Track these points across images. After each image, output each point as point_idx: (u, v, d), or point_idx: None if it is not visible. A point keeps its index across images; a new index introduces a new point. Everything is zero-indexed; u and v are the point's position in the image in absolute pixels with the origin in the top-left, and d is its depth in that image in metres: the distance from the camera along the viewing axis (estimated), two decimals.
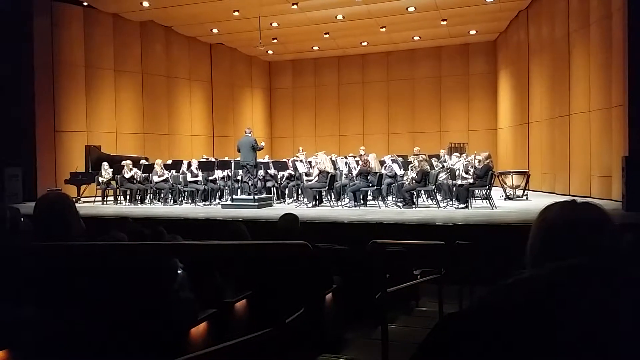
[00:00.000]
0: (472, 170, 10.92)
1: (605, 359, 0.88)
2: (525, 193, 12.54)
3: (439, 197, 11.49)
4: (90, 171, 13.84)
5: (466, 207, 10.44)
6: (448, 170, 11.97)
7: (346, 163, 12.55)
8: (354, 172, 11.66)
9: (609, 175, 10.90)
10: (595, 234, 1.12)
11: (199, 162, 13.06)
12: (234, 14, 15.34)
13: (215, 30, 17.35)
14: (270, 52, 19.85)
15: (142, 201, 13.24)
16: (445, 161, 13.28)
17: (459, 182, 11.01)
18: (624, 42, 9.82)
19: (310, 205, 11.61)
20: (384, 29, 16.95)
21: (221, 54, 19.39)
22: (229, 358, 2.10)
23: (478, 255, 5.92)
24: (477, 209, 10.37)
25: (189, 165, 13.00)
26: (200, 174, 12.75)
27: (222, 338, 2.55)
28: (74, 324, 2.16)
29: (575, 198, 1.24)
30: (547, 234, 1.16)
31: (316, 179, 11.63)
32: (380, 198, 11.50)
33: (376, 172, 11.41)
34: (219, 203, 12.44)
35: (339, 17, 15.85)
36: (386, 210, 10.62)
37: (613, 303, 0.92)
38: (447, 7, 14.99)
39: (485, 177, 10.50)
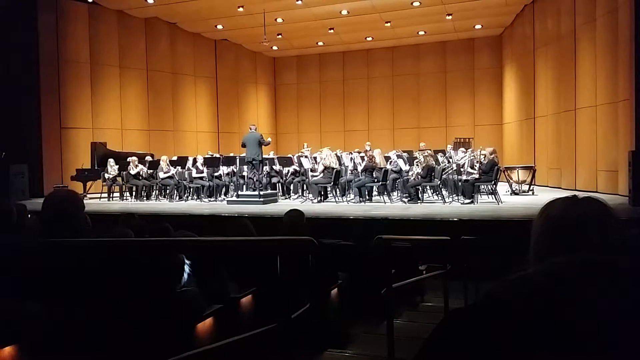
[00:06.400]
0: (477, 165, 10.90)
1: (609, 354, 0.88)
2: (531, 188, 12.49)
3: (444, 193, 11.48)
4: (96, 168, 13.89)
5: (472, 202, 10.42)
6: (453, 166, 11.95)
7: (351, 159, 12.54)
8: (359, 168, 11.65)
9: (615, 170, 10.86)
10: (598, 228, 1.12)
11: (204, 158, 13.07)
12: (238, 9, 15.32)
13: (219, 27, 17.34)
14: (274, 47, 19.83)
15: (148, 197, 13.28)
16: (450, 156, 13.24)
17: (464, 177, 10.99)
18: (630, 36, 9.76)
19: (316, 201, 11.62)
20: (388, 24, 16.89)
21: (226, 50, 19.39)
22: (235, 353, 2.11)
23: (483, 251, 5.91)
24: (483, 204, 10.35)
25: (194, 161, 13.03)
26: (205, 170, 12.77)
27: (228, 333, 2.56)
28: (81, 319, 2.17)
29: (577, 193, 1.24)
30: (550, 229, 1.16)
31: (321, 174, 11.63)
32: (385, 193, 11.49)
33: (381, 168, 11.41)
34: (224, 199, 12.47)
35: (344, 12, 15.81)
36: (391, 206, 10.62)
37: (617, 298, 0.92)
38: (452, 2, 14.92)
39: (491, 172, 10.47)
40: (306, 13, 15.85)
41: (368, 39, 18.92)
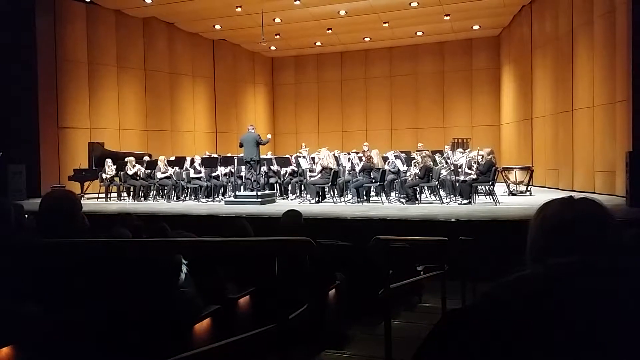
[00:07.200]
0: (475, 166, 10.91)
1: (607, 354, 0.89)
2: (528, 189, 12.51)
3: (442, 193, 11.49)
4: (93, 168, 13.87)
5: (469, 202, 10.43)
6: (451, 166, 11.96)
7: (349, 159, 12.54)
8: (357, 168, 11.65)
9: (613, 171, 10.88)
10: (595, 229, 1.12)
11: (201, 158, 13.06)
12: (236, 9, 15.32)
13: (217, 26, 17.34)
14: (272, 48, 19.83)
15: (146, 198, 13.26)
16: (448, 157, 13.25)
17: (462, 177, 11.00)
18: (628, 37, 9.78)
19: (313, 201, 11.62)
20: (386, 25, 16.91)
21: (224, 50, 19.38)
22: (233, 354, 2.11)
23: (481, 251, 5.91)
24: (480, 205, 10.36)
25: (192, 161, 13.01)
26: (203, 170, 12.76)
27: (226, 334, 2.56)
28: (78, 320, 2.17)
29: (574, 194, 1.24)
30: (547, 230, 1.16)
31: (319, 175, 11.63)
32: (383, 194, 11.49)
33: (379, 168, 11.41)
34: (222, 199, 12.46)
35: (342, 12, 15.82)
36: (389, 206, 10.62)
37: (614, 298, 0.92)
38: (450, 2, 14.95)
39: (489, 172, 10.48)
40: (304, 13, 15.86)
41: (366, 39, 18.93)
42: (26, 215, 3.80)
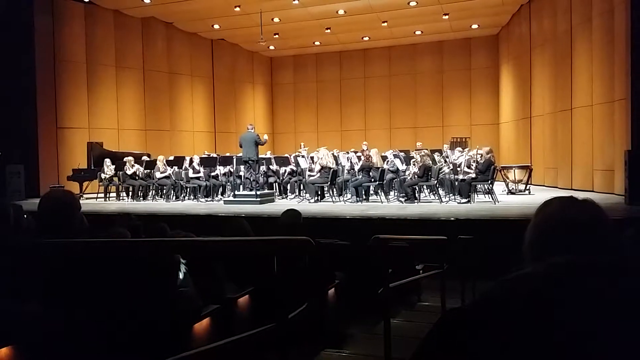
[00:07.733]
0: (474, 164, 10.91)
1: (606, 354, 0.89)
2: (527, 187, 12.51)
3: (441, 192, 11.49)
4: (92, 168, 13.85)
5: (468, 201, 10.43)
6: (450, 165, 11.96)
7: (348, 158, 12.54)
8: (356, 168, 11.65)
9: (612, 170, 10.88)
10: (594, 228, 1.13)
11: (200, 158, 13.05)
12: (235, 9, 15.31)
13: (216, 26, 17.33)
14: (271, 47, 19.82)
15: (145, 197, 13.25)
16: (447, 156, 13.26)
17: (461, 176, 11.00)
18: (627, 35, 9.79)
19: (313, 200, 11.61)
20: (385, 24, 16.90)
21: (222, 50, 19.37)
22: (232, 353, 2.11)
23: (480, 250, 5.92)
24: (479, 204, 10.37)
25: (191, 161, 13.00)
26: (202, 170, 12.75)
27: (225, 334, 2.55)
28: (78, 320, 2.17)
29: (573, 193, 1.25)
30: (546, 230, 1.16)
31: (318, 174, 11.63)
32: (382, 193, 11.49)
33: (378, 167, 11.41)
34: (221, 199, 12.45)
35: (340, 11, 15.81)
36: (388, 206, 10.62)
37: (612, 297, 0.92)
38: (448, 1, 14.94)
39: (488, 171, 10.48)
40: (303, 13, 15.85)
41: (365, 38, 18.92)
42: (25, 216, 3.79)
